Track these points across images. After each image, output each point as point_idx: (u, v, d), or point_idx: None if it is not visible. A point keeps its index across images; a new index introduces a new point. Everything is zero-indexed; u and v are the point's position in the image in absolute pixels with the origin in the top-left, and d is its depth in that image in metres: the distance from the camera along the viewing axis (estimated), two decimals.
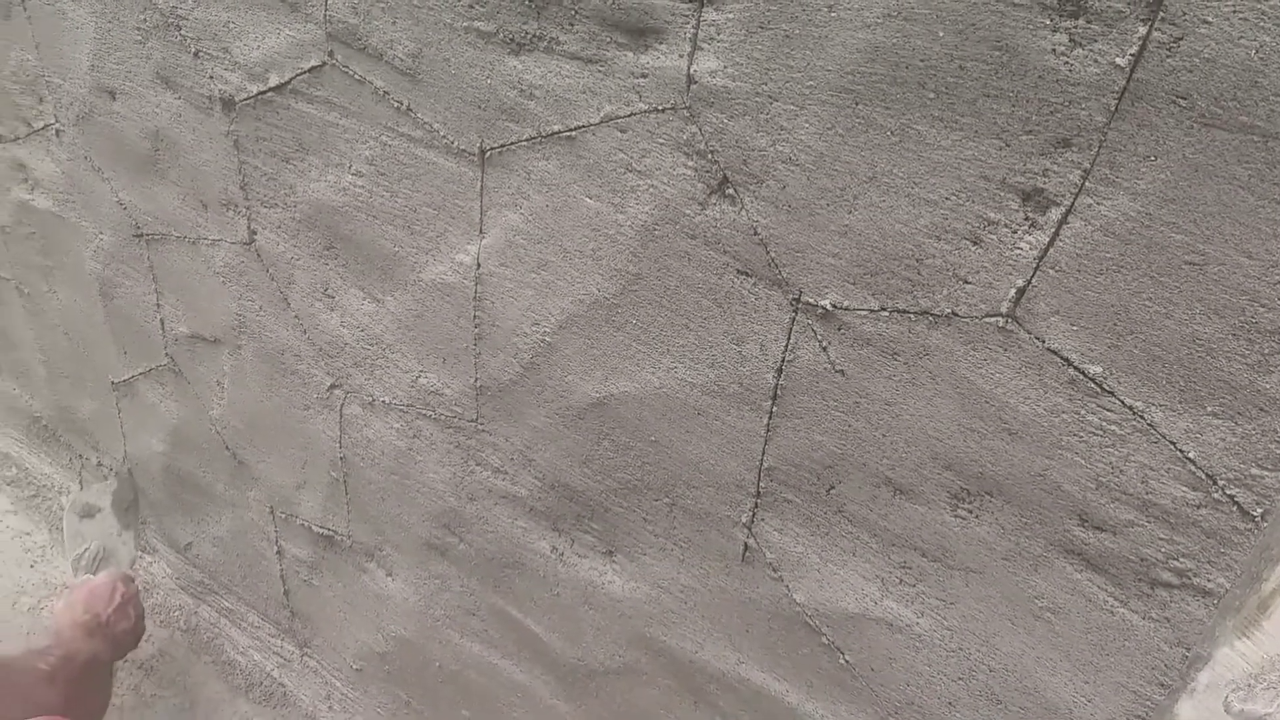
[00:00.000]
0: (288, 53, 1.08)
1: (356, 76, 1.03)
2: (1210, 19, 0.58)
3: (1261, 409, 0.66)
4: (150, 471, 1.80)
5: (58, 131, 1.48)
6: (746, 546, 0.99)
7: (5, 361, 2.04)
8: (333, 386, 1.31)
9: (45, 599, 1.89)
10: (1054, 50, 0.64)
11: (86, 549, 1.72)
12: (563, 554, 1.18)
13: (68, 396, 1.90)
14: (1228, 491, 0.69)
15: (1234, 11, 0.57)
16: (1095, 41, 0.62)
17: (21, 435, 2.15)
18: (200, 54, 1.18)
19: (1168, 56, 0.60)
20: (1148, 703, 0.79)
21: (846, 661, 0.96)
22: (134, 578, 1.68)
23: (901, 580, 0.89)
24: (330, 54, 1.05)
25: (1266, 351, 0.64)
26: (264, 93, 1.13)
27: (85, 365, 1.78)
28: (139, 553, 1.78)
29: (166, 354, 1.56)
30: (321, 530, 1.49)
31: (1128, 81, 0.62)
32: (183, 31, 1.18)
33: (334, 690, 1.68)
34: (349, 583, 1.51)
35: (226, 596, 1.81)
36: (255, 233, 1.27)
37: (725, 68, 0.78)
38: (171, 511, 1.82)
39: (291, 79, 1.10)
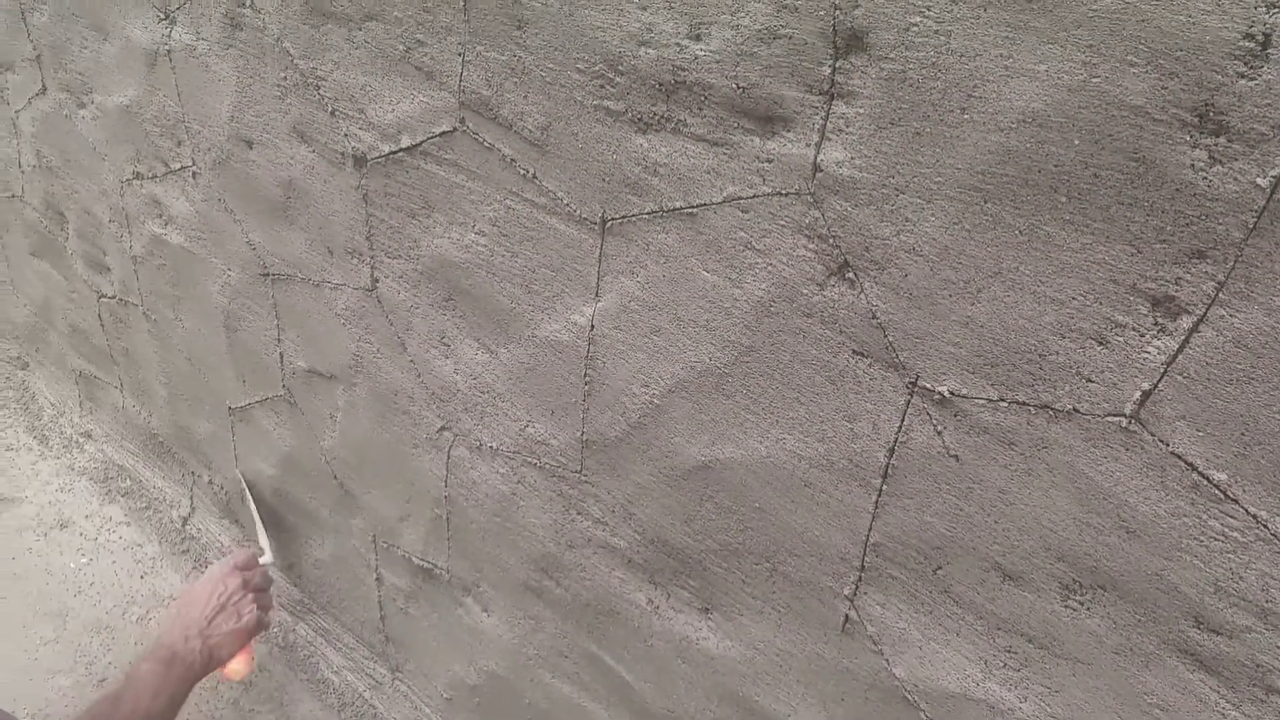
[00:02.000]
0: (420, 117, 1.14)
1: (486, 143, 1.08)
2: None
3: None
4: (258, 493, 1.88)
5: (194, 174, 1.57)
6: (847, 618, 1.00)
7: (128, 380, 2.15)
8: (442, 429, 1.36)
9: (154, 609, 1.98)
10: (1192, 165, 0.65)
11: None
12: (658, 607, 1.20)
13: (185, 417, 2.00)
14: None
15: None
16: (1236, 160, 0.63)
17: (138, 450, 2.26)
18: (337, 113, 1.24)
19: None
20: None
21: None
22: (253, 565, 1.53)
23: (1005, 664, 0.90)
24: (462, 120, 1.10)
25: None
26: (395, 152, 1.19)
27: (204, 389, 1.87)
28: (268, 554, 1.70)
29: (284, 385, 1.64)
30: (421, 562, 1.54)
31: (1268, 201, 0.62)
32: (321, 91, 1.25)
33: (423, 716, 1.73)
34: (444, 614, 1.56)
35: (324, 617, 1.88)
36: (378, 280, 1.33)
37: (852, 158, 0.80)
38: (276, 532, 1.90)
39: (422, 141, 1.15)
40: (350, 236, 1.33)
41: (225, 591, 1.44)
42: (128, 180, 1.75)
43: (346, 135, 1.25)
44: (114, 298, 2.02)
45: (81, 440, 2.39)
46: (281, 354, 1.60)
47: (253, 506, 1.80)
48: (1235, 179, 0.63)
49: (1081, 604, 0.82)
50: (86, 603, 1.98)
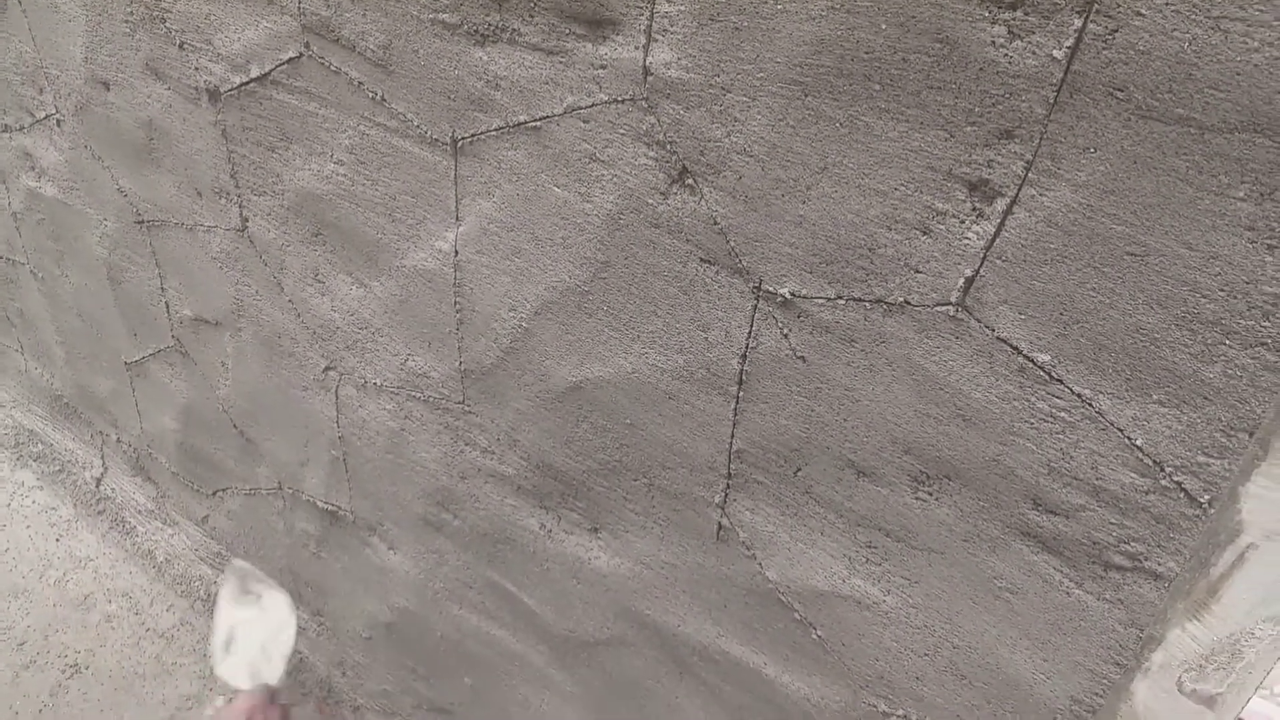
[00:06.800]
0: (266, 44, 1.10)
1: (332, 67, 1.04)
2: (1144, 11, 0.58)
3: (1206, 398, 0.66)
4: (165, 447, 1.85)
5: (58, 121, 1.50)
6: (720, 526, 1.01)
7: (27, 342, 2.09)
8: (327, 368, 1.34)
9: (71, 571, 1.96)
10: (993, 42, 0.64)
11: (236, 659, 1.59)
12: (551, 531, 1.20)
13: (86, 376, 1.95)
14: (1175, 478, 0.69)
15: (1167, 4, 0.57)
16: (1033, 34, 0.62)
17: (46, 412, 2.21)
18: (185, 45, 1.19)
19: (1104, 49, 0.60)
20: (1104, 681, 0.80)
21: (819, 636, 0.99)
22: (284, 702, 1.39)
23: (868, 559, 0.91)
24: (306, 45, 1.06)
25: (1209, 342, 0.64)
26: (246, 83, 1.15)
27: (100, 346, 1.83)
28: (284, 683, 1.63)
29: (173, 336, 1.60)
30: (326, 505, 1.53)
31: (1065, 74, 0.62)
32: (168, 24, 1.19)
33: (347, 657, 1.74)
34: (354, 556, 1.56)
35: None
36: (247, 220, 1.29)
37: (679, 59, 0.78)
38: (187, 486, 1.87)
39: (271, 70, 1.11)
40: (216, 176, 1.29)
41: None
42: None
43: (198, 69, 1.20)
44: (1, 258, 1.95)
45: None
46: (167, 303, 1.56)
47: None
48: (1034, 53, 0.62)
49: (930, 494, 0.83)
50: (2, 569, 1.95)
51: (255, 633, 1.50)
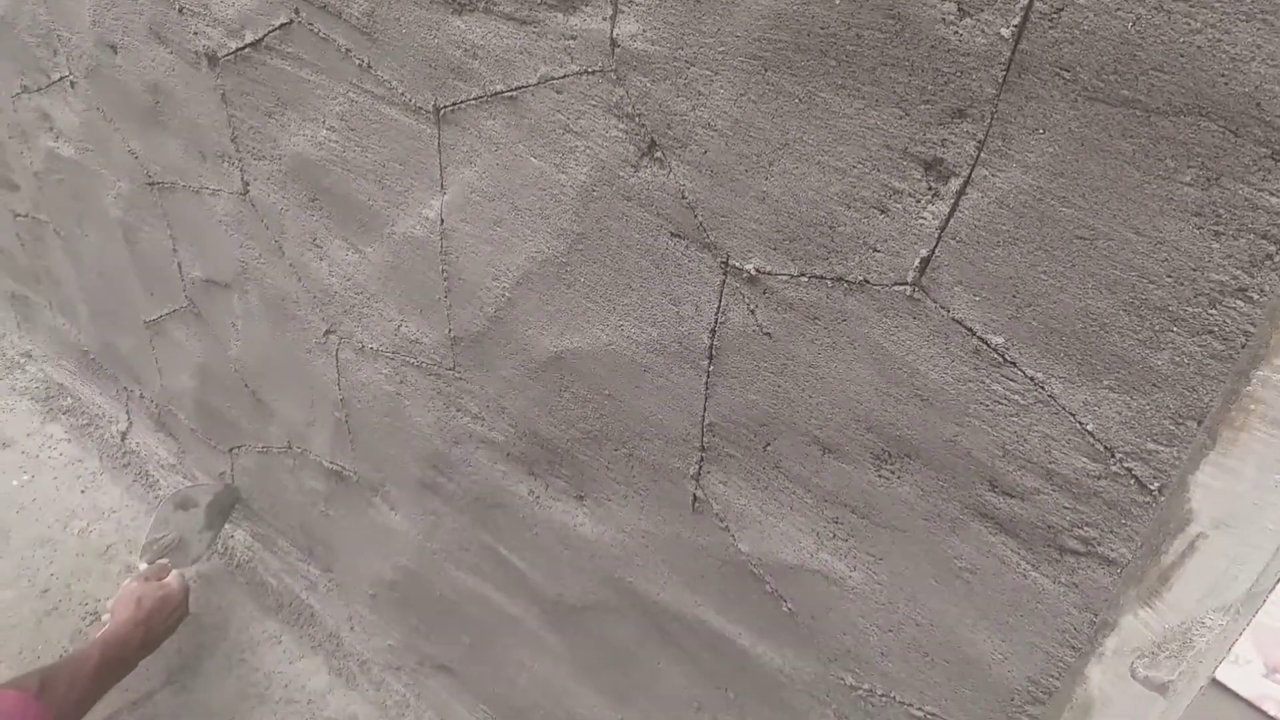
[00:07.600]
0: (259, 10, 1.11)
1: (321, 34, 1.05)
2: None
3: (1155, 385, 0.65)
4: (184, 404, 1.90)
5: (72, 83, 1.53)
6: (695, 497, 1.02)
7: (54, 298, 2.15)
8: (328, 332, 1.36)
9: (95, 522, 2.03)
10: (944, 19, 0.63)
11: (163, 536, 1.78)
12: (539, 497, 1.22)
13: (108, 333, 2.00)
14: (1125, 464, 0.69)
15: None
16: (982, 11, 0.61)
17: (74, 367, 2.27)
18: (184, 10, 1.21)
19: (1050, 28, 0.59)
20: (1059, 664, 0.80)
21: (789, 609, 0.99)
22: (189, 587, 1.75)
23: (834, 534, 0.91)
24: (296, 11, 1.07)
25: (1157, 328, 0.63)
26: (242, 48, 1.16)
27: (121, 303, 1.87)
28: (208, 556, 1.87)
29: (186, 296, 1.64)
30: (331, 465, 1.56)
31: (1013, 53, 0.61)
32: None
33: (355, 613, 1.78)
34: (359, 515, 1.59)
35: (258, 523, 1.92)
36: (249, 184, 1.31)
37: (644, 31, 0.78)
38: (205, 442, 1.92)
39: (264, 36, 1.12)
40: (218, 139, 1.31)
41: (177, 605, 1.68)
42: (17, 94, 1.71)
43: (196, 33, 1.21)
44: (27, 216, 2.00)
45: (22, 361, 2.40)
46: (179, 264, 1.59)
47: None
48: (983, 31, 0.61)
49: (892, 472, 0.83)
50: (28, 519, 2.02)
51: (184, 524, 1.79)
